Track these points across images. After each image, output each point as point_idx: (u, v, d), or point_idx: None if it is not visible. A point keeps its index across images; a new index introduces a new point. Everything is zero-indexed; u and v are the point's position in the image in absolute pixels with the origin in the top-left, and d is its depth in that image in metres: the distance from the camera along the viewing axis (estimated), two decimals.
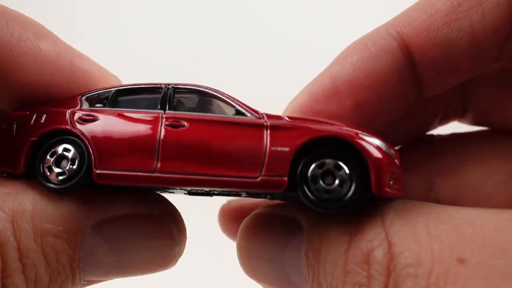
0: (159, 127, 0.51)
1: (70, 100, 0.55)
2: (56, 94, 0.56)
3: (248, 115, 0.53)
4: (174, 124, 0.51)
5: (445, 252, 0.41)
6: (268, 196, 0.58)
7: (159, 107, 0.53)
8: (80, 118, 0.52)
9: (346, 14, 1.53)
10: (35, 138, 0.52)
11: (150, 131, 0.50)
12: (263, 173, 0.48)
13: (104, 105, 0.55)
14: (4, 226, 0.46)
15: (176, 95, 0.55)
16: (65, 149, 0.51)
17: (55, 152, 0.52)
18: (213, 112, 0.53)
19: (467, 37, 0.55)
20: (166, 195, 0.60)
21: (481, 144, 0.69)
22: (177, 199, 0.60)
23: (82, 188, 0.50)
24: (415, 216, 0.45)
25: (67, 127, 0.52)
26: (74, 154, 0.51)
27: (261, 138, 0.49)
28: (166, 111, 0.53)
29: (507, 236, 0.41)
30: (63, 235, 0.49)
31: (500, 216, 0.44)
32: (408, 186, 0.63)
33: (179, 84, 0.55)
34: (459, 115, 0.73)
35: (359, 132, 0.50)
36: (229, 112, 0.54)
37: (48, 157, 0.52)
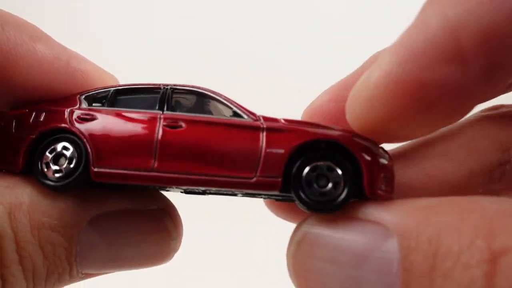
0: (157, 127, 0.51)
1: (69, 99, 0.56)
2: (53, 95, 0.56)
3: (245, 117, 0.53)
4: (172, 124, 0.52)
5: None
6: (264, 197, 0.59)
7: (157, 107, 0.54)
8: (79, 117, 0.53)
9: (346, 14, 1.53)
10: (34, 136, 0.53)
11: (148, 131, 0.51)
12: (258, 174, 0.49)
13: (103, 105, 0.55)
14: (2, 218, 0.47)
15: (174, 96, 0.55)
16: (64, 147, 0.52)
17: (53, 150, 0.52)
18: (210, 113, 0.54)
19: None
20: (163, 192, 0.60)
21: None
22: (174, 195, 0.61)
23: (79, 186, 0.51)
24: None
25: (66, 125, 0.52)
26: (72, 152, 0.52)
27: (257, 140, 0.50)
28: (164, 112, 0.53)
29: None
30: (59, 229, 0.50)
31: None
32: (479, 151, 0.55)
33: (177, 85, 0.56)
34: None
35: (354, 135, 0.50)
36: (227, 114, 0.54)
37: (47, 153, 0.52)
